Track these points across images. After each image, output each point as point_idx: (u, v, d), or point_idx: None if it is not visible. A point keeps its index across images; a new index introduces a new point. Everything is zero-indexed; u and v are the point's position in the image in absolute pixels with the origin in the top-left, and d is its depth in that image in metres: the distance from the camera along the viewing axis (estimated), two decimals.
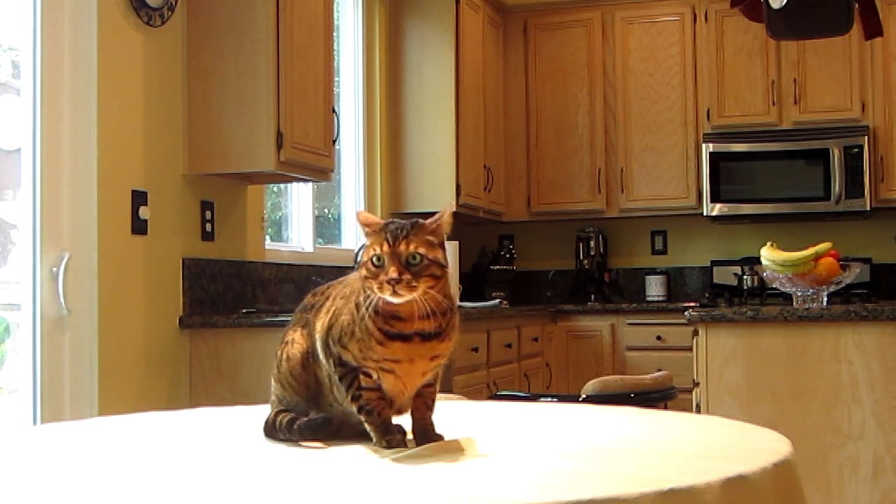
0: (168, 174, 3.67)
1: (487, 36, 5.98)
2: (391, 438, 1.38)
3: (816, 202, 5.70)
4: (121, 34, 3.43)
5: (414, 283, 1.32)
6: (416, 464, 1.28)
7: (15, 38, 3.28)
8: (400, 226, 1.36)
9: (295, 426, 1.46)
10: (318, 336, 1.46)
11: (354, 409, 1.41)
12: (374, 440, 1.39)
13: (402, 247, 1.33)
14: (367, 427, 1.40)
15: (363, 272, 1.36)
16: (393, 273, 1.32)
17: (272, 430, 1.50)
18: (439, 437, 1.42)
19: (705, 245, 6.26)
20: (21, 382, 3.14)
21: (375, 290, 1.33)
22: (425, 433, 1.41)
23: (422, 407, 1.42)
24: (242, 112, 3.68)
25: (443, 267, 1.35)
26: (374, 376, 1.38)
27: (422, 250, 1.33)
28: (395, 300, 1.32)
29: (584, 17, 6.19)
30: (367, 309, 1.35)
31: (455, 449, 1.38)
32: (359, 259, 1.38)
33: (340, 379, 1.41)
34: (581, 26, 6.20)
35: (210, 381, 3.63)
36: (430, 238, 1.35)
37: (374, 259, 1.34)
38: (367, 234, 1.38)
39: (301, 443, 1.45)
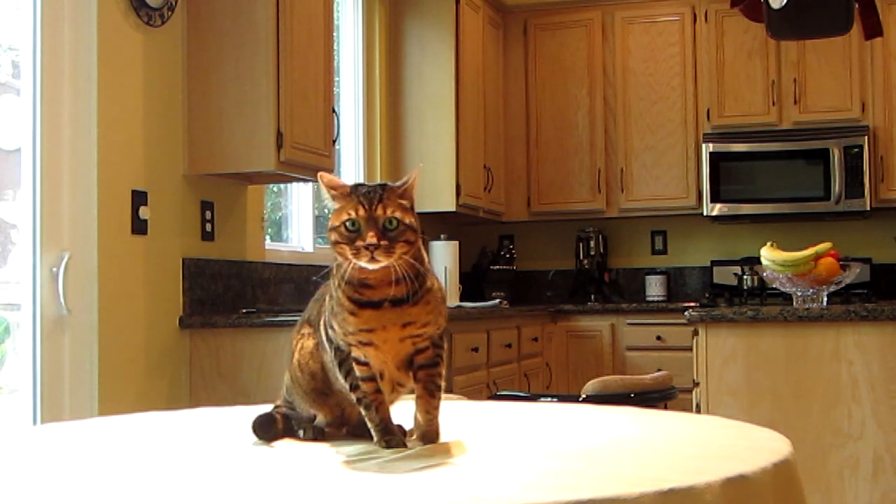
0: (168, 174, 3.67)
1: (487, 36, 5.98)
2: (391, 439, 1.38)
3: (816, 202, 5.70)
4: (121, 34, 3.43)
5: (391, 249, 1.29)
6: (416, 464, 1.28)
7: (15, 38, 3.28)
8: (371, 189, 1.32)
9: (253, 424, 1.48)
10: (321, 322, 1.46)
11: (354, 399, 1.40)
12: (375, 440, 1.39)
13: (379, 211, 1.29)
14: (368, 424, 1.40)
15: (334, 237, 1.31)
16: (371, 238, 1.28)
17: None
18: (439, 438, 1.41)
19: (705, 245, 6.26)
20: (21, 382, 3.14)
21: (349, 256, 1.30)
22: (425, 433, 1.41)
23: (425, 395, 1.39)
24: (242, 112, 3.68)
25: (416, 232, 1.32)
26: (361, 356, 1.36)
27: (398, 215, 1.30)
28: (372, 266, 1.29)
29: (584, 17, 6.19)
30: (340, 280, 1.33)
31: (455, 449, 1.38)
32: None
33: (340, 366, 1.40)
34: (581, 26, 6.20)
35: (210, 381, 3.63)
36: (403, 202, 1.32)
37: (349, 224, 1.30)
38: (333, 198, 1.34)
39: (300, 441, 1.46)
